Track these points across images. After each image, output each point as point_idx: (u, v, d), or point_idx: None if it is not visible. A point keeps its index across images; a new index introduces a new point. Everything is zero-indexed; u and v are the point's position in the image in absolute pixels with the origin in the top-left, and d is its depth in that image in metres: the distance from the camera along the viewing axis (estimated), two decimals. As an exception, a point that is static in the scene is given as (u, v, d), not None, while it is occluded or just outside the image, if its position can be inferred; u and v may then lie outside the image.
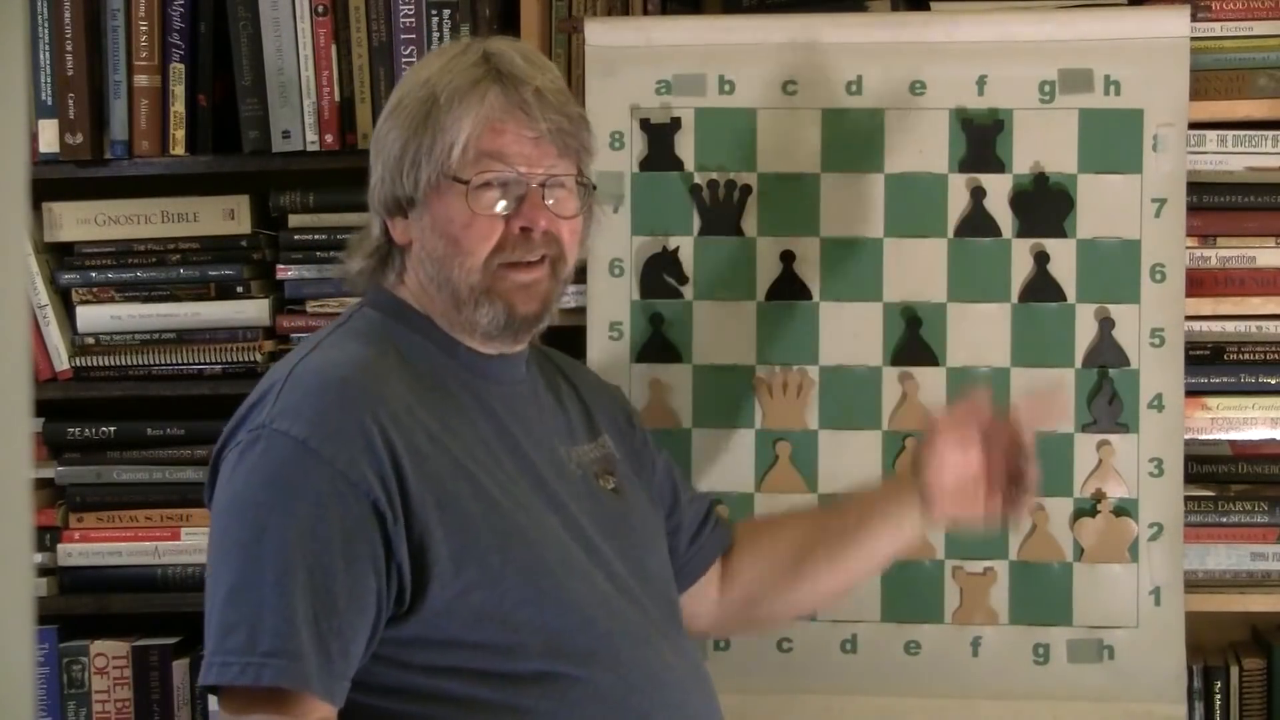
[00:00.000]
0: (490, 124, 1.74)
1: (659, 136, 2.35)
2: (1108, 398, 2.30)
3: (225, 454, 1.70)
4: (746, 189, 2.34)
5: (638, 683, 1.75)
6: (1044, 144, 2.31)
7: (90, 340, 2.46)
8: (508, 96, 1.74)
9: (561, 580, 1.73)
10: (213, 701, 2.08)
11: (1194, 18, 2.31)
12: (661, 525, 1.97)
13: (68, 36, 2.41)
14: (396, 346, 1.76)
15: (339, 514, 1.62)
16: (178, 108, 2.43)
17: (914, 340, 2.33)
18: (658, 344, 2.36)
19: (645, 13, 2.47)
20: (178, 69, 2.43)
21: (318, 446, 1.63)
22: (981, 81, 2.31)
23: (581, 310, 2.37)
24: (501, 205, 1.75)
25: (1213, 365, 2.36)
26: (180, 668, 2.44)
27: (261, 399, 1.69)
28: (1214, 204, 2.35)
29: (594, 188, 1.84)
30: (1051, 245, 2.31)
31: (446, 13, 2.39)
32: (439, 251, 1.76)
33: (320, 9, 2.41)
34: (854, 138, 2.32)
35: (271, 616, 1.60)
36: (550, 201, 1.77)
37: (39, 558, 2.46)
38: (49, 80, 2.42)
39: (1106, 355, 2.31)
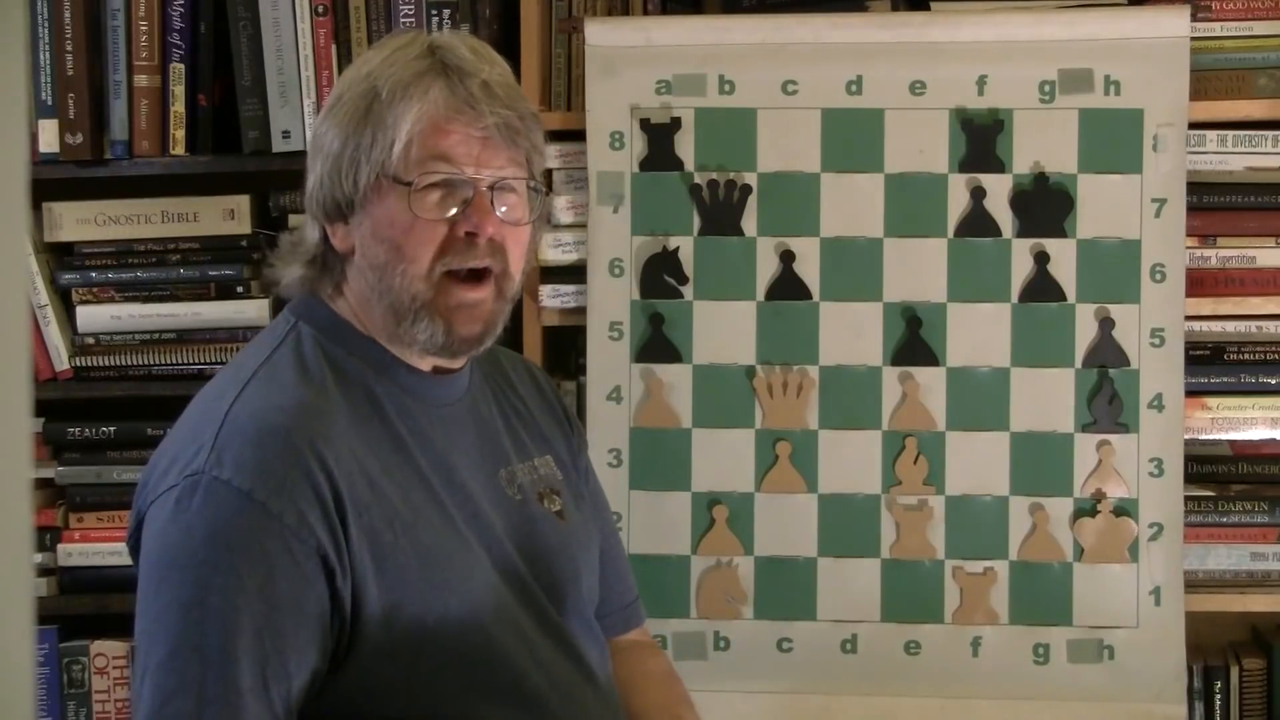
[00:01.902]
0: (434, 121, 1.63)
1: (659, 136, 2.35)
2: (1108, 398, 2.31)
3: (154, 499, 1.59)
4: (746, 189, 2.34)
5: None
6: (1044, 144, 2.31)
7: (90, 340, 2.46)
8: (453, 91, 1.63)
9: (494, 635, 1.66)
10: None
11: (1194, 18, 2.32)
12: (597, 553, 1.89)
13: (68, 36, 2.41)
14: (334, 371, 1.66)
15: (289, 573, 1.54)
16: (178, 108, 2.43)
17: (914, 340, 2.33)
18: (658, 344, 2.36)
19: (645, 13, 2.47)
20: (178, 69, 2.43)
21: (264, 500, 1.54)
22: (981, 81, 2.31)
23: (581, 310, 2.37)
24: (446, 208, 1.64)
25: (1213, 365, 2.36)
26: (180, 668, 2.44)
27: (194, 441, 1.58)
28: (1214, 204, 2.35)
29: (546, 191, 1.72)
30: (1051, 245, 2.31)
31: (446, 13, 2.39)
32: (380, 259, 1.65)
33: (320, 9, 2.40)
34: (854, 138, 2.33)
35: (216, 684, 1.51)
36: (503, 209, 1.66)
37: (39, 558, 2.46)
38: (49, 80, 2.42)
39: (1106, 355, 2.31)
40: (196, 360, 2.45)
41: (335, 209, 1.66)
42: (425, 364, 1.71)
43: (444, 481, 1.68)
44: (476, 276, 1.66)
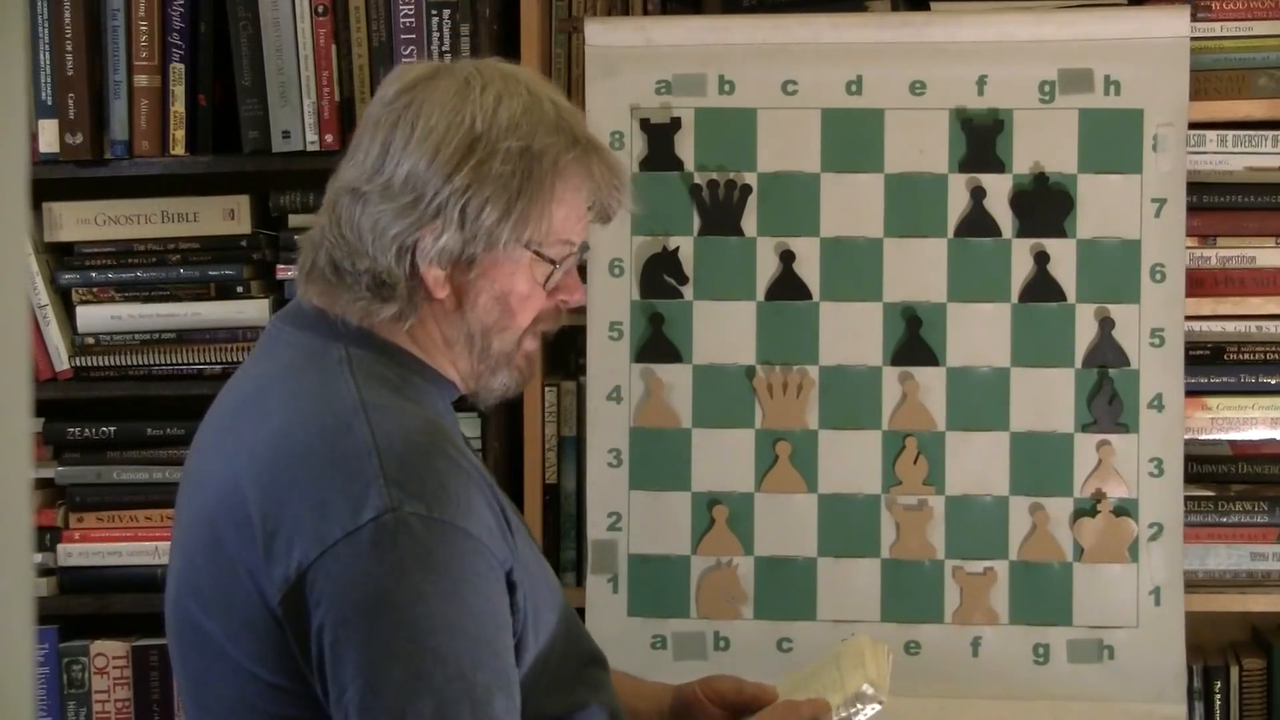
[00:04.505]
0: (582, 209, 1.65)
1: (659, 136, 2.35)
2: (1108, 398, 2.31)
3: (324, 552, 1.48)
4: (746, 189, 2.34)
5: (614, 706, 1.77)
6: (1044, 144, 2.31)
7: (90, 340, 2.46)
8: (615, 183, 1.66)
9: (575, 624, 1.73)
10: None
11: (1194, 18, 2.32)
12: None
13: (68, 36, 2.41)
14: (408, 388, 1.62)
15: (496, 590, 1.53)
16: (178, 108, 2.43)
17: (914, 340, 2.33)
18: (658, 344, 2.36)
19: (645, 13, 2.46)
20: (178, 69, 2.43)
21: (464, 524, 1.50)
22: (981, 81, 2.31)
23: (581, 310, 2.36)
24: (556, 279, 1.66)
25: (1213, 365, 2.36)
26: (180, 668, 2.44)
27: (351, 481, 1.50)
28: (1214, 204, 2.35)
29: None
30: (1051, 245, 2.32)
31: (446, 13, 2.39)
32: (491, 318, 1.63)
33: (320, 9, 2.40)
34: (854, 138, 2.33)
35: (481, 716, 1.49)
36: None
37: (39, 558, 2.46)
38: (49, 80, 2.42)
39: (1106, 355, 2.31)
40: (196, 360, 2.45)
41: (452, 259, 1.60)
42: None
43: None
44: None
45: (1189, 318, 2.32)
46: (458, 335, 1.63)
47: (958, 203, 2.33)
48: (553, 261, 1.63)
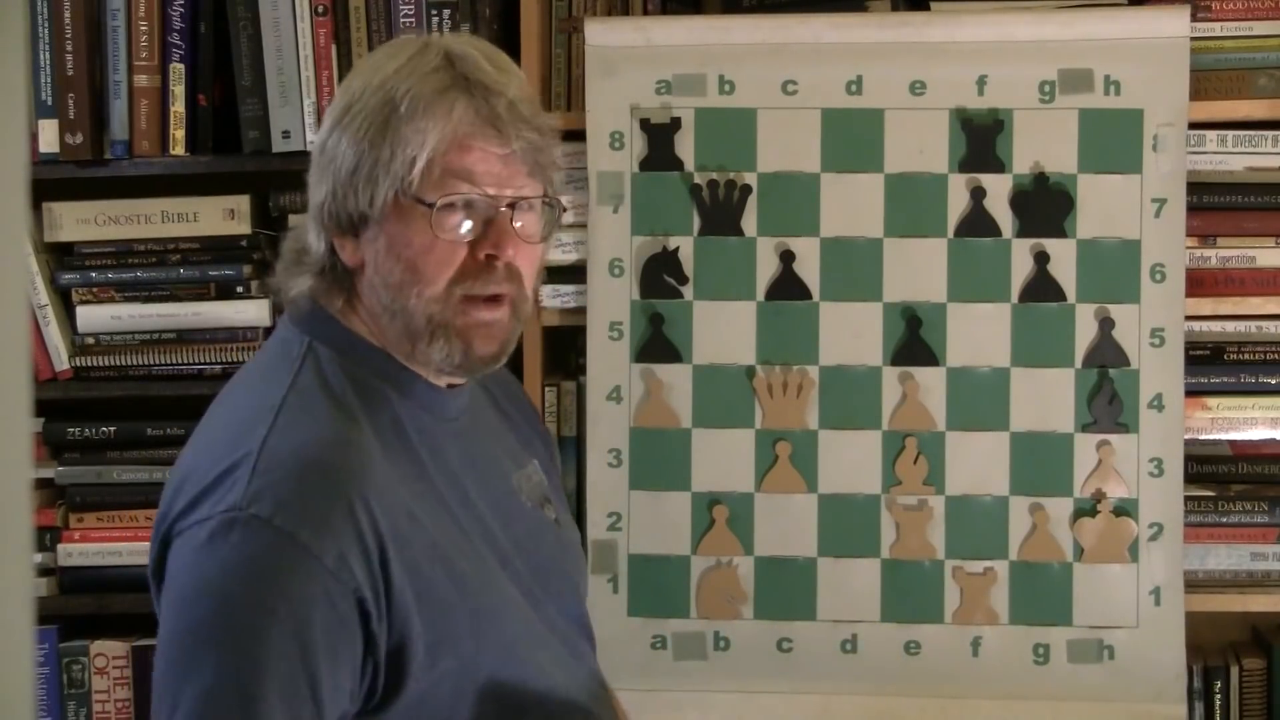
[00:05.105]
0: (457, 139, 1.58)
1: (659, 136, 2.35)
2: (1108, 398, 2.31)
3: (181, 530, 1.53)
4: (746, 189, 2.34)
5: None
6: (1044, 144, 2.31)
7: (90, 340, 2.46)
8: (477, 109, 1.58)
9: (527, 654, 1.66)
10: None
11: (1194, 18, 2.32)
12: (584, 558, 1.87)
13: (68, 36, 2.42)
14: (359, 395, 1.61)
15: (325, 615, 1.49)
16: (178, 108, 2.43)
17: (914, 340, 2.33)
18: (658, 344, 2.36)
19: (645, 13, 2.47)
20: (178, 69, 2.43)
21: (307, 541, 1.48)
22: (981, 81, 2.31)
23: (581, 310, 2.37)
24: (466, 229, 1.59)
25: (1213, 365, 2.36)
26: (180, 668, 2.44)
27: (226, 473, 1.53)
28: (1214, 204, 2.35)
29: (563, 209, 1.69)
30: (1051, 245, 2.32)
31: (446, 13, 2.39)
32: (394, 278, 1.60)
33: (320, 9, 2.41)
34: (854, 138, 2.33)
35: None
36: (518, 224, 1.61)
37: (39, 558, 2.46)
38: (49, 80, 2.42)
39: (1106, 355, 2.31)
40: (196, 360, 2.45)
41: (347, 223, 1.61)
42: (441, 379, 1.68)
43: (459, 501, 1.65)
44: (493, 298, 1.62)
45: (1189, 318, 2.32)
46: (379, 304, 1.62)
47: (958, 203, 2.33)
48: (429, 204, 1.57)
